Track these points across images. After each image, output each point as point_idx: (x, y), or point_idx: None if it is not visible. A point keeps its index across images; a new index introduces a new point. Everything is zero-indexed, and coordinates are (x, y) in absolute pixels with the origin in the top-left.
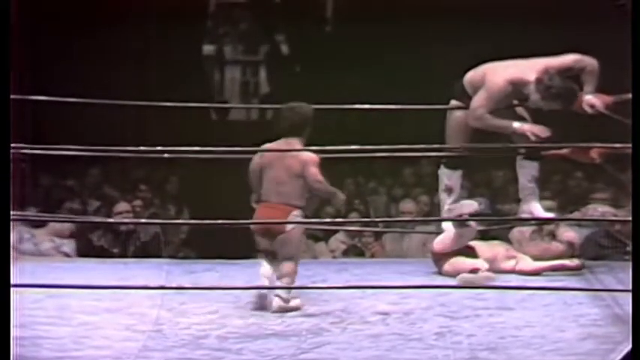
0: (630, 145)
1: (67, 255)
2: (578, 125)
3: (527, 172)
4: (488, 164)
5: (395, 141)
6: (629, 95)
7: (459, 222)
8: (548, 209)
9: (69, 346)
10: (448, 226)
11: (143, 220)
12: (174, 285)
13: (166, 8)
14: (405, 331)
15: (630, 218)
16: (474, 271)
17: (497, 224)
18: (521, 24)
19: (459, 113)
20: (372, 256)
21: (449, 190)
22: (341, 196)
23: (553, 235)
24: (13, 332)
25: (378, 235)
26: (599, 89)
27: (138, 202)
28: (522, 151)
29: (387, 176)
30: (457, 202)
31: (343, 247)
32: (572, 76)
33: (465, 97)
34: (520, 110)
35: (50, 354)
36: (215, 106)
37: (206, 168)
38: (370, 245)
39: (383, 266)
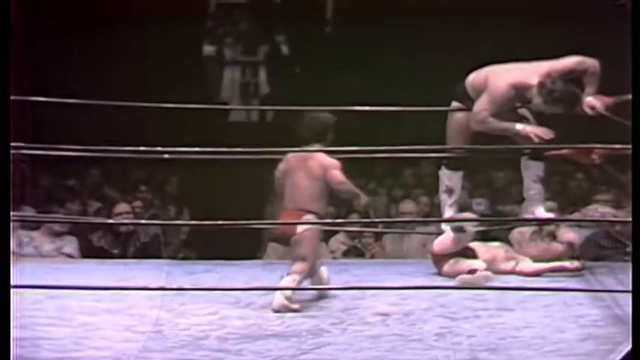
0: (630, 146)
1: (69, 256)
2: (579, 126)
3: (532, 172)
4: (488, 165)
5: (395, 142)
6: (630, 96)
7: (456, 227)
8: (548, 210)
9: (69, 347)
10: (448, 228)
11: (143, 221)
12: (174, 286)
13: (166, 8)
14: (405, 332)
15: (630, 219)
16: (472, 271)
17: (497, 225)
18: (522, 24)
19: (459, 115)
20: (372, 256)
21: (449, 192)
22: (364, 198)
23: (553, 236)
24: (13, 333)
25: (378, 236)
26: (600, 90)
27: (138, 203)
28: (527, 151)
29: (387, 177)
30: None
31: (343, 247)
32: (574, 78)
33: (467, 99)
34: (523, 111)
35: (50, 355)
36: (215, 108)
37: (206, 169)
38: (370, 246)
39: (383, 267)
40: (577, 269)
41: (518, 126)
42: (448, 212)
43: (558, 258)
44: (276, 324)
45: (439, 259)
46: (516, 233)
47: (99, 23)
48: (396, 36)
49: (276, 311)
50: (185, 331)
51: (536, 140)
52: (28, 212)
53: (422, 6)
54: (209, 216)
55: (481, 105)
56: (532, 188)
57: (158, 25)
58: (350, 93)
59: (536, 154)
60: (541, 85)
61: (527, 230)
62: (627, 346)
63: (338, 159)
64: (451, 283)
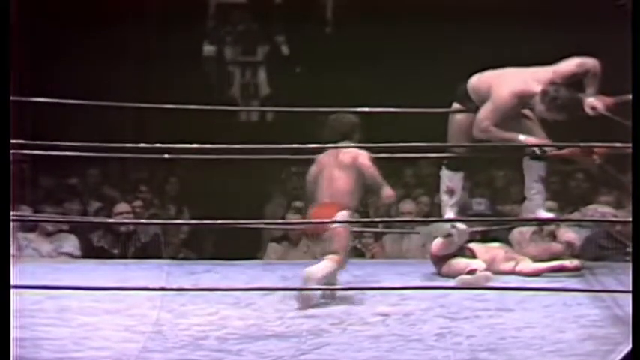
0: (630, 145)
1: (70, 255)
2: (579, 126)
3: (534, 172)
4: (489, 165)
5: (395, 142)
6: (630, 96)
7: (443, 232)
8: (548, 210)
9: (69, 347)
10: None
11: (143, 221)
12: (174, 286)
13: (166, 8)
14: (405, 332)
15: (630, 219)
16: (472, 272)
17: (497, 225)
18: (522, 24)
19: (460, 116)
20: (373, 257)
21: (450, 192)
22: (389, 190)
23: (553, 236)
24: (13, 333)
25: (378, 236)
26: (600, 90)
27: (138, 203)
28: (529, 151)
29: (387, 177)
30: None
31: None
32: (575, 81)
33: (468, 101)
34: (525, 111)
35: (50, 355)
36: (216, 109)
37: (206, 169)
38: (370, 246)
39: (383, 267)
40: (576, 268)
41: (521, 137)
42: (449, 213)
43: (558, 258)
44: (276, 324)
45: (438, 259)
46: (516, 233)
47: (99, 23)
48: (396, 36)
49: (304, 305)
50: (185, 331)
51: (538, 153)
52: (26, 212)
53: (422, 7)
54: (209, 216)
55: (484, 114)
56: (533, 188)
57: (158, 25)
58: (350, 94)
59: (537, 154)
60: (544, 92)
61: (528, 230)
62: (627, 347)
63: None
64: (451, 283)
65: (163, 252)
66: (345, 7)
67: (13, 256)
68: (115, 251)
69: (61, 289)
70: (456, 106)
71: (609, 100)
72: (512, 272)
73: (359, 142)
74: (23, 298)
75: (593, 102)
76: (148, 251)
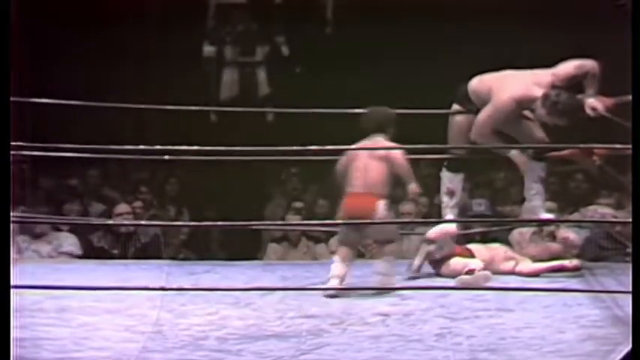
0: (630, 146)
1: (70, 254)
2: (579, 127)
3: (534, 172)
4: (489, 166)
5: (395, 142)
6: (630, 97)
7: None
8: (548, 210)
9: (69, 347)
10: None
11: (143, 222)
12: (174, 286)
13: (166, 8)
14: (405, 333)
15: (630, 220)
16: (470, 272)
17: (497, 226)
18: (522, 24)
19: (460, 117)
20: (373, 257)
21: (451, 194)
22: (417, 187)
23: (553, 237)
24: (14, 333)
25: None
26: (600, 91)
27: (138, 204)
28: (529, 151)
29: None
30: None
31: None
32: (575, 83)
33: (468, 102)
34: (526, 112)
35: (50, 355)
36: (216, 109)
37: (206, 170)
38: (370, 246)
39: None
40: (576, 268)
41: (513, 152)
42: (449, 214)
43: (558, 258)
44: (276, 324)
45: (434, 262)
46: (516, 234)
47: (99, 23)
48: (396, 36)
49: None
50: (185, 331)
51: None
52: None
53: (422, 7)
54: (209, 216)
55: (484, 119)
56: (532, 188)
57: (158, 25)
58: (351, 94)
59: (537, 155)
60: (545, 96)
61: (527, 231)
62: (627, 347)
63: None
64: (451, 283)
65: (163, 252)
66: (345, 7)
67: (14, 259)
68: (115, 252)
69: (61, 289)
70: (455, 107)
71: (609, 101)
72: (511, 272)
73: (392, 136)
74: (23, 298)
75: (594, 103)
76: (148, 252)
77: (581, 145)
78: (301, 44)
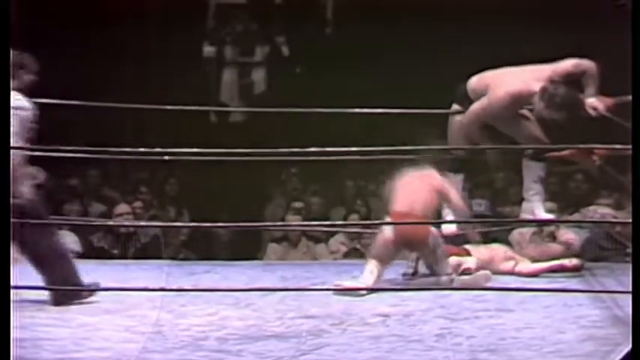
0: (630, 146)
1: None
2: (580, 127)
3: (533, 172)
4: (488, 166)
5: (396, 143)
6: (630, 97)
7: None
8: (548, 211)
9: (69, 348)
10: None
11: (143, 223)
12: (174, 287)
13: (166, 8)
14: (405, 333)
15: (630, 220)
16: (466, 270)
17: (497, 226)
18: (522, 24)
19: (460, 117)
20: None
21: None
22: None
23: (553, 237)
24: (14, 333)
25: None
26: (600, 91)
27: (138, 204)
28: (529, 151)
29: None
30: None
31: (344, 249)
32: (573, 80)
33: (467, 102)
34: (524, 111)
35: (50, 355)
36: (216, 109)
37: (206, 170)
38: (370, 247)
39: None
40: (576, 268)
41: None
42: (449, 215)
43: (557, 258)
44: (276, 325)
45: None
46: (516, 234)
47: (99, 23)
48: (396, 36)
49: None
50: (185, 331)
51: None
52: None
53: (422, 7)
54: (209, 217)
55: (475, 110)
56: (532, 188)
57: (158, 25)
58: (351, 94)
59: (537, 155)
60: (543, 90)
61: (527, 231)
62: (627, 347)
63: (338, 159)
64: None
65: (163, 253)
66: (345, 7)
67: (14, 259)
68: (115, 252)
69: (61, 290)
70: (455, 107)
71: (609, 100)
72: (511, 273)
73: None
74: (23, 298)
75: (595, 103)
76: (147, 252)
77: (581, 145)
78: (301, 44)
